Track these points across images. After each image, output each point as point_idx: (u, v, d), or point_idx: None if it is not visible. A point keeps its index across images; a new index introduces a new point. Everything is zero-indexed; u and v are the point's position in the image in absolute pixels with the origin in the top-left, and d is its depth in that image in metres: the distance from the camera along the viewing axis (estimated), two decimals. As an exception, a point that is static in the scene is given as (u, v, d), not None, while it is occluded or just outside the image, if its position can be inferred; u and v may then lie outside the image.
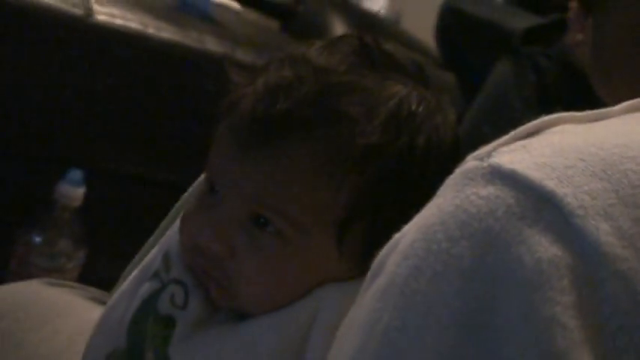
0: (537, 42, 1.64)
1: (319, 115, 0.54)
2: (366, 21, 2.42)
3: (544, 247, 0.30)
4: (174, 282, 0.59)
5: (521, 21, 1.69)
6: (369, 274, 0.36)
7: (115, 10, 1.32)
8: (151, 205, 1.01)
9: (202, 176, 0.63)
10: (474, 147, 0.36)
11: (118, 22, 1.30)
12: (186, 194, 0.68)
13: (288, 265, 0.56)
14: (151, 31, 1.33)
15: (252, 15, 1.85)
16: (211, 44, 1.37)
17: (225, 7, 1.49)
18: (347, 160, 0.54)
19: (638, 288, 0.29)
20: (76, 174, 1.24)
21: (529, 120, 0.37)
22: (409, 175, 0.56)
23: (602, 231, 0.30)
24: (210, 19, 1.47)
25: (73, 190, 1.23)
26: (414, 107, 0.57)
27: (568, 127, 0.35)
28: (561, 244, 0.30)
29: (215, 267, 0.57)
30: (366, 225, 0.56)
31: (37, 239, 1.24)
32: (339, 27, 2.34)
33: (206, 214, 0.58)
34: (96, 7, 1.30)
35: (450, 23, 1.87)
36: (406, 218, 0.37)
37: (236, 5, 1.52)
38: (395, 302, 0.32)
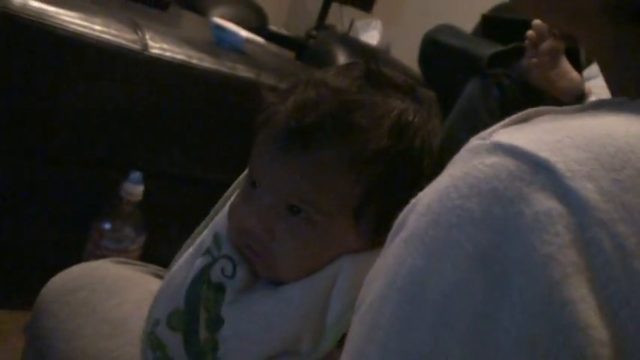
0: (500, 65, 1.63)
1: (339, 125, 0.55)
2: (363, 51, 2.41)
3: (540, 202, 0.29)
4: (224, 257, 0.59)
5: (486, 48, 1.68)
6: (391, 232, 0.35)
7: (165, 45, 1.31)
8: (196, 199, 1.01)
9: (244, 174, 0.63)
10: (451, 149, 0.36)
11: (168, 54, 1.30)
12: (230, 188, 0.68)
13: (316, 243, 0.56)
14: (194, 61, 1.32)
15: (274, 48, 1.84)
16: (241, 71, 1.37)
17: (253, 42, 1.48)
18: (361, 160, 0.55)
19: (616, 232, 0.29)
20: (137, 175, 1.24)
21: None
22: (408, 171, 0.56)
23: (588, 189, 0.29)
24: (241, 51, 1.46)
25: (134, 188, 1.24)
26: (410, 118, 0.57)
27: (551, 116, 0.35)
28: (554, 199, 0.29)
29: (259, 246, 0.57)
30: (376, 210, 0.56)
31: (107, 227, 1.24)
32: (341, 56, 2.33)
33: (250, 205, 0.58)
34: (150, 43, 1.30)
35: (430, 52, 1.86)
36: (407, 203, 0.36)
37: (261, 40, 1.51)
38: (417, 248, 0.32)
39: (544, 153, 0.31)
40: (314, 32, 2.78)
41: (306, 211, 0.55)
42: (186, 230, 0.74)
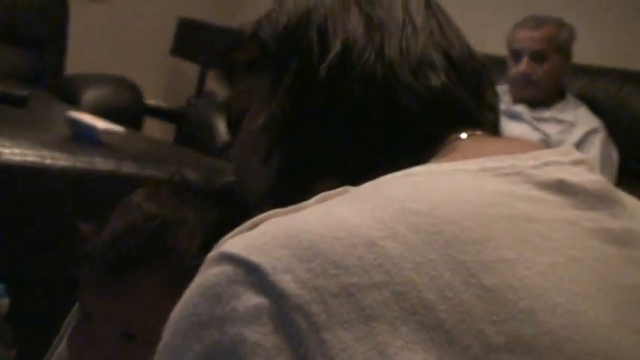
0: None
1: (153, 252, 0.58)
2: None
3: (250, 298, 0.35)
4: None
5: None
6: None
7: (16, 150, 1.29)
8: (70, 303, 0.99)
9: (76, 305, 0.64)
10: None
11: (18, 158, 1.28)
12: (67, 319, 0.69)
13: None
14: (47, 161, 1.30)
15: (140, 134, 1.83)
16: (100, 164, 1.36)
17: (111, 132, 1.47)
18: (182, 279, 0.56)
19: (310, 312, 0.34)
20: (0, 287, 1.20)
21: None
22: None
23: (285, 281, 0.35)
24: (98, 144, 1.45)
25: (-2, 302, 1.19)
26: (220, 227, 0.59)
27: (275, 219, 0.40)
28: (262, 294, 0.35)
29: None
30: None
31: (-27, 347, 1.19)
32: (221, 124, 2.35)
33: (86, 337, 0.60)
34: (0, 149, 1.27)
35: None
36: None
37: (120, 128, 1.51)
38: (163, 357, 0.37)
39: (253, 256, 0.36)
40: (194, 100, 2.80)
41: (140, 334, 0.57)
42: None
